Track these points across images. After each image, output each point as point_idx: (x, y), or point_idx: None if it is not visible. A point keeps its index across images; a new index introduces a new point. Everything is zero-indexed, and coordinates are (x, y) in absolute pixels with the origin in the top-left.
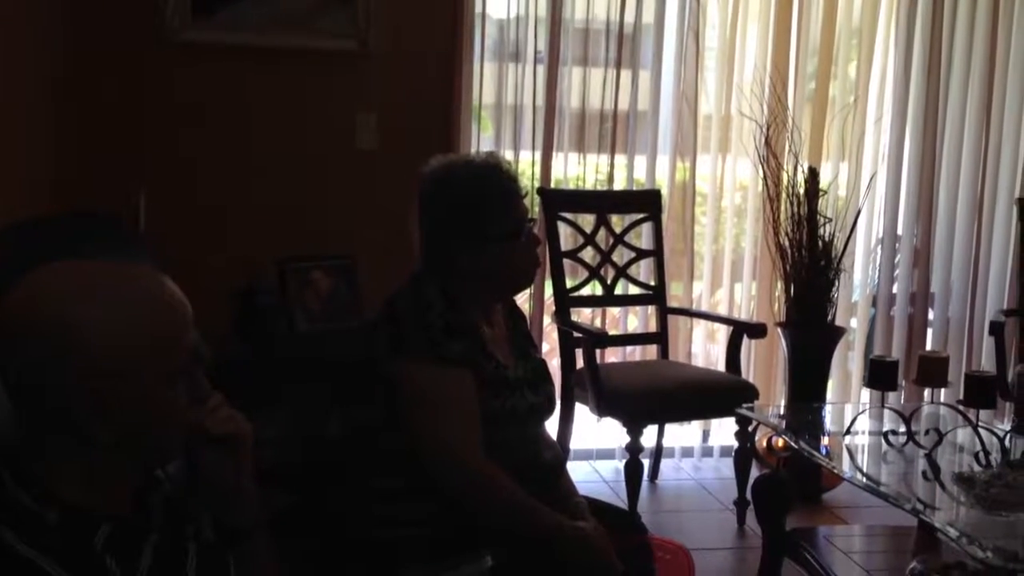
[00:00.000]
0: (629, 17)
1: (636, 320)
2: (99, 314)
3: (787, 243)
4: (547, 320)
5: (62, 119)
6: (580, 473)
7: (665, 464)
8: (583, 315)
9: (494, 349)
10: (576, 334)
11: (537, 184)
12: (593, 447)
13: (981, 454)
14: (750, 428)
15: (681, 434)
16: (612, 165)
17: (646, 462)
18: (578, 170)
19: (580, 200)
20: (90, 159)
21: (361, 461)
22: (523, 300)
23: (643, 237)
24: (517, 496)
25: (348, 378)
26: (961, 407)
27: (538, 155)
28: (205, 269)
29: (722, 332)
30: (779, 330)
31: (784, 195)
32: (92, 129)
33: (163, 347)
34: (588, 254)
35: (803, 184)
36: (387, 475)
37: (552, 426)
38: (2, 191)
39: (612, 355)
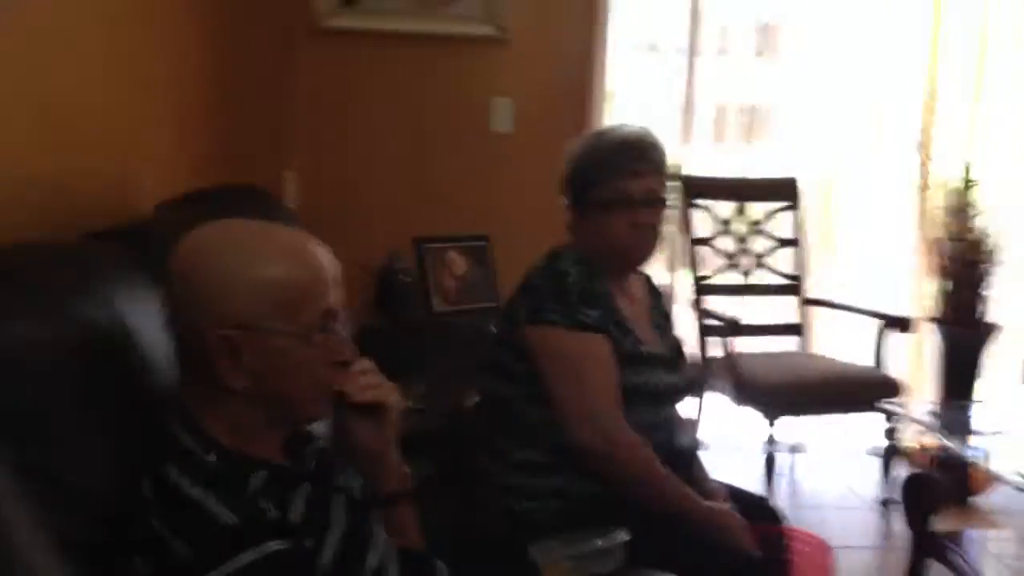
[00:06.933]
0: (769, 11)
1: (773, 311)
2: (235, 266)
3: (940, 235)
4: (683, 308)
5: (216, 102)
6: (713, 463)
7: (804, 459)
8: (719, 303)
9: (631, 323)
10: (711, 322)
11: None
12: (727, 436)
13: None
14: (894, 425)
15: (821, 429)
16: (751, 156)
17: (784, 456)
18: (715, 160)
19: (718, 187)
20: (242, 139)
21: (498, 433)
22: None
23: (782, 226)
24: (655, 466)
25: (486, 352)
26: None
27: (675, 145)
28: (347, 245)
29: (867, 325)
30: (931, 325)
31: (934, 187)
32: (244, 111)
33: (296, 302)
34: (725, 242)
35: (963, 181)
36: (524, 447)
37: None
38: (167, 168)
39: (748, 345)
